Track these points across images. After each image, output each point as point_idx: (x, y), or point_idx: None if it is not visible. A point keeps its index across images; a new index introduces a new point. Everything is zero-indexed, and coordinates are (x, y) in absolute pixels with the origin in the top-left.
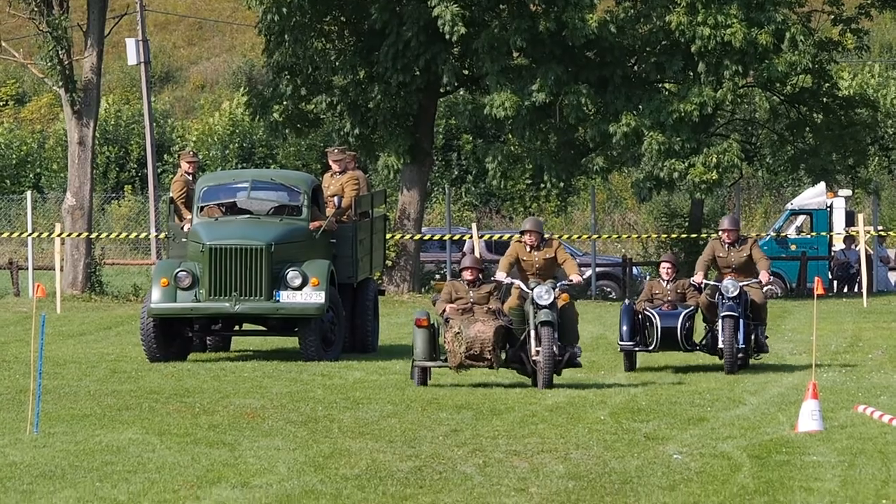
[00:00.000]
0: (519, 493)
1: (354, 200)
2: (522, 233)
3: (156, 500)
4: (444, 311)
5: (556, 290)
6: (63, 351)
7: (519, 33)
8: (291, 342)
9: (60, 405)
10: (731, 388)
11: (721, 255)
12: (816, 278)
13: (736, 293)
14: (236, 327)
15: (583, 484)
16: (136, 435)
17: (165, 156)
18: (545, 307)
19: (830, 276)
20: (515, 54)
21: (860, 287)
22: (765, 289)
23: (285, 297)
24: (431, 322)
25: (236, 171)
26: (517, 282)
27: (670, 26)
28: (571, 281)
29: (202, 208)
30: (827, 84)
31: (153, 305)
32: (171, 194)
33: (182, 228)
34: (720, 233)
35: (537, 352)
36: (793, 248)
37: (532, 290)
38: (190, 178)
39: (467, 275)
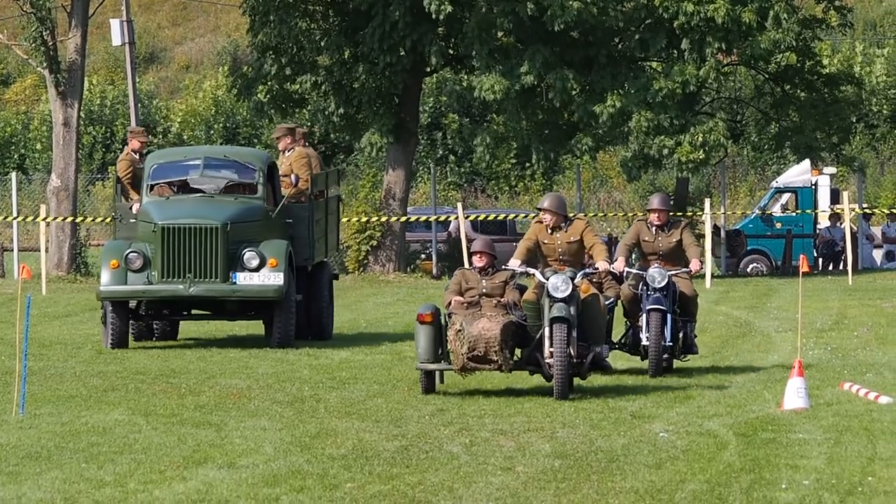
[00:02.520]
0: (505, 472)
1: (311, 179)
2: (541, 211)
3: (142, 481)
4: (450, 304)
5: (578, 279)
6: (49, 332)
7: (503, 15)
8: (241, 327)
9: (46, 386)
10: (717, 366)
11: (647, 239)
12: (802, 256)
13: (664, 283)
14: (197, 311)
15: (569, 462)
16: (122, 416)
17: (150, 136)
18: (561, 300)
19: (816, 254)
20: (500, 34)
21: (845, 265)
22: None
23: (242, 278)
24: (438, 317)
25: (188, 148)
26: (532, 270)
27: (654, 3)
28: (597, 268)
29: (152, 187)
30: (811, 62)
31: (103, 288)
32: (116, 173)
33: (130, 209)
34: (648, 213)
35: (551, 353)
36: (778, 225)
37: (548, 279)
38: (137, 156)
39: (477, 261)
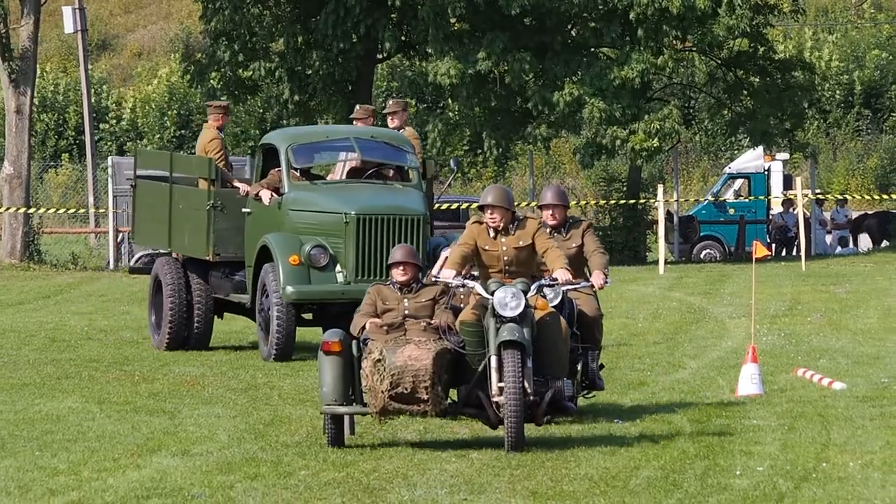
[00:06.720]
0: (460, 459)
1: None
2: (483, 208)
3: (96, 469)
4: (364, 328)
5: (532, 293)
6: (2, 320)
7: (458, 0)
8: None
9: (0, 374)
10: (670, 352)
11: None
12: (755, 242)
13: (556, 302)
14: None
15: (524, 449)
16: (76, 404)
17: (102, 124)
18: (511, 320)
19: (769, 240)
20: (453, 20)
21: (798, 250)
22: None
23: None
24: (349, 346)
25: (325, 127)
26: (472, 283)
27: None
28: (556, 279)
29: (305, 171)
30: (763, 47)
31: (291, 289)
32: (208, 155)
33: (256, 196)
34: (541, 211)
35: (500, 389)
36: (731, 211)
37: (493, 294)
38: (221, 134)
39: (398, 274)
